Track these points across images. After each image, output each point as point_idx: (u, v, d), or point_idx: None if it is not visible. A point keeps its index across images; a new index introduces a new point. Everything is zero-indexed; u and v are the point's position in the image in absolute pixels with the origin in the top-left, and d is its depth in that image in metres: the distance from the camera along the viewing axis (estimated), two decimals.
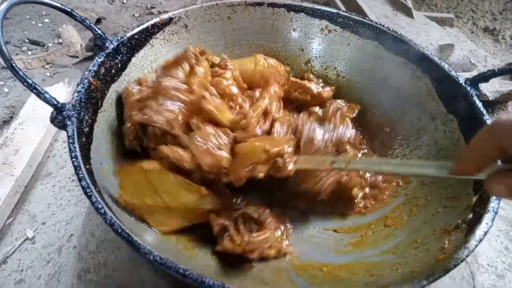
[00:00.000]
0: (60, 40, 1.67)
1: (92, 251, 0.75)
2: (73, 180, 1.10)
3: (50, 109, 0.65)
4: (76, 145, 0.62)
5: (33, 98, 1.24)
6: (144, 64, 0.87)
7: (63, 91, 1.31)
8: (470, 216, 0.65)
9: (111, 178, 0.70)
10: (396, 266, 0.65)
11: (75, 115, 0.65)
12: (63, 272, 0.91)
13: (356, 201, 0.84)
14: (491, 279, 1.00)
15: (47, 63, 1.56)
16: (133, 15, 1.86)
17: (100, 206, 0.55)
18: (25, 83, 0.62)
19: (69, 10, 0.77)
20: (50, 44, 1.66)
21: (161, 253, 0.51)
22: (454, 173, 0.51)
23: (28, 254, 0.95)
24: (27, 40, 1.65)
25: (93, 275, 0.73)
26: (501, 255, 1.06)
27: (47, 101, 0.64)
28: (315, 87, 0.96)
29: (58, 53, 1.59)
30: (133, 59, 0.84)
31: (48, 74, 1.51)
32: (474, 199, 0.68)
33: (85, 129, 0.67)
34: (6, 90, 1.40)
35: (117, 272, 0.71)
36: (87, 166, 0.61)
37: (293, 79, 0.98)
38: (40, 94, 0.63)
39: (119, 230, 0.52)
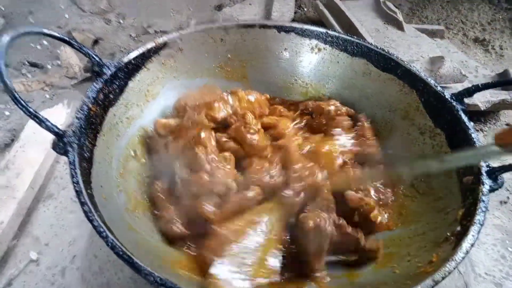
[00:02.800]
0: (59, 62, 1.69)
1: (95, 272, 0.77)
2: (74, 201, 1.11)
3: (51, 135, 0.67)
4: (78, 170, 0.64)
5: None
6: (141, 88, 0.90)
7: (62, 113, 1.33)
8: (458, 228, 0.67)
9: (112, 200, 0.72)
10: (391, 279, 0.68)
11: (76, 142, 0.68)
12: None
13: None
14: None
15: (46, 85, 1.57)
16: (130, 35, 1.90)
17: (101, 230, 0.57)
18: (26, 112, 0.65)
19: (68, 39, 0.80)
20: (49, 66, 1.68)
21: (162, 274, 0.54)
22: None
23: (32, 276, 0.96)
24: (26, 63, 1.68)
25: None
26: (498, 264, 1.08)
27: (48, 128, 0.66)
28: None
29: (57, 75, 1.61)
30: (130, 83, 0.87)
31: (47, 96, 1.53)
32: (462, 212, 0.71)
33: (85, 154, 0.70)
34: (7, 113, 1.42)
35: None
36: (88, 191, 0.64)
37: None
38: (42, 122, 0.66)
39: (120, 253, 0.55)
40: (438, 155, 0.84)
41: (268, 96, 1.02)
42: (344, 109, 0.98)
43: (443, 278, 0.56)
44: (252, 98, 0.94)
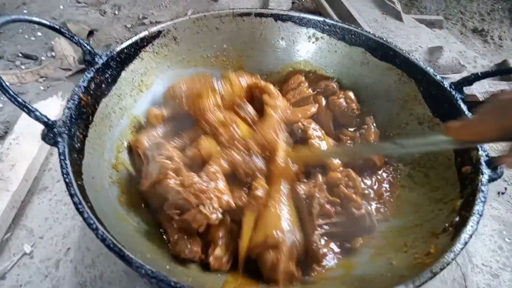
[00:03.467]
0: (53, 53, 1.67)
1: (88, 265, 0.76)
2: None
3: (42, 126, 0.66)
4: (68, 161, 0.63)
5: None
6: (134, 78, 0.88)
7: (57, 105, 1.31)
8: (457, 219, 0.66)
9: (104, 191, 0.71)
10: (387, 271, 0.67)
11: (66, 132, 0.66)
12: (61, 287, 0.92)
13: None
14: (486, 279, 1.01)
15: (41, 77, 1.56)
16: (125, 26, 1.87)
17: (92, 222, 0.56)
18: (15, 102, 0.63)
19: (58, 27, 0.78)
20: (43, 58, 1.67)
21: (154, 267, 0.53)
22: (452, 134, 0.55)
23: (26, 269, 0.95)
24: (20, 54, 1.66)
25: None
26: (495, 255, 1.07)
27: (37, 118, 0.65)
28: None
29: (51, 66, 1.59)
30: (123, 73, 0.85)
31: (41, 87, 1.51)
32: (460, 202, 0.70)
33: (76, 145, 0.68)
34: (0, 105, 1.40)
35: (113, 286, 0.72)
36: (79, 182, 0.62)
37: None
38: (31, 112, 0.64)
39: (111, 245, 0.54)
40: (394, 139, 0.85)
41: (259, 76, 1.01)
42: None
43: (441, 269, 0.55)
44: (243, 81, 0.93)
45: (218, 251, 0.70)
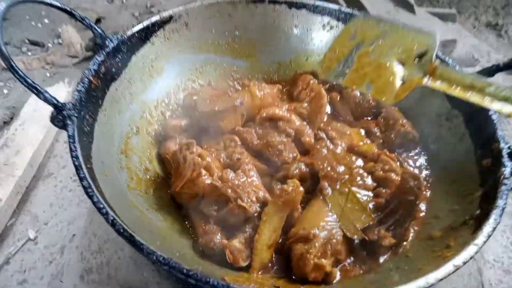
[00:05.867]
0: (60, 41, 1.65)
1: (95, 251, 0.74)
2: (74, 180, 1.09)
3: (50, 110, 0.64)
4: (77, 144, 0.61)
5: (33, 98, 1.23)
6: (144, 63, 0.87)
7: (63, 91, 1.29)
8: (478, 212, 0.64)
9: (113, 177, 0.69)
10: (404, 263, 0.65)
11: (76, 115, 0.65)
12: (65, 273, 0.90)
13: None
14: (498, 275, 0.99)
15: (47, 64, 1.54)
16: (133, 14, 1.85)
17: (101, 206, 0.54)
18: (24, 83, 0.62)
19: (69, 9, 0.76)
20: (50, 45, 1.64)
21: (164, 253, 0.51)
22: None
23: (30, 254, 0.94)
24: (27, 41, 1.64)
25: (96, 275, 0.72)
26: (508, 251, 1.05)
27: (47, 100, 0.63)
28: None
29: (58, 53, 1.57)
30: (134, 58, 0.84)
31: (48, 74, 1.49)
32: (480, 195, 0.68)
33: (85, 129, 0.67)
34: (5, 91, 1.38)
35: (120, 272, 0.70)
36: (88, 166, 0.61)
37: None
38: (40, 94, 0.63)
39: (121, 230, 0.52)
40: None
41: (280, 87, 0.98)
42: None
43: (464, 263, 0.53)
44: (263, 93, 0.92)
45: (237, 243, 0.68)
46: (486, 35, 1.86)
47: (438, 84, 0.62)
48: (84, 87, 0.70)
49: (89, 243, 0.75)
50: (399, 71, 0.66)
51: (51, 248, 0.94)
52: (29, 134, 1.15)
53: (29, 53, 1.59)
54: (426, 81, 0.63)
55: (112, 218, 0.53)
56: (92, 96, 0.71)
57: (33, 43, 1.65)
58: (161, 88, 0.91)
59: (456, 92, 0.59)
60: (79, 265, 0.76)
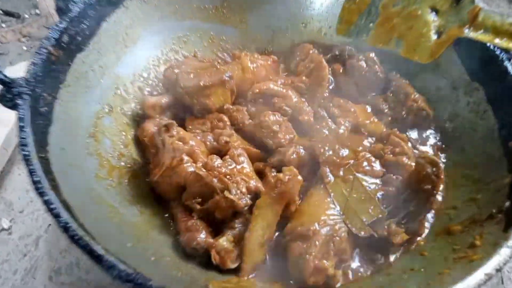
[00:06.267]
0: (37, 11, 1.54)
1: (63, 249, 0.65)
2: None
3: None
4: (28, 129, 0.51)
5: None
6: (117, 30, 0.76)
7: None
8: (508, 204, 0.54)
9: (77, 166, 0.59)
10: (419, 264, 0.56)
11: (28, 92, 0.55)
12: (39, 267, 0.83)
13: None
14: None
15: (23, 36, 1.44)
16: None
17: (53, 206, 0.44)
18: None
19: None
20: (26, 15, 1.53)
21: (134, 259, 0.42)
22: None
23: (4, 245, 0.87)
24: (1, 12, 1.52)
25: (65, 277, 0.63)
26: None
27: None
28: None
29: (35, 24, 1.46)
30: (104, 24, 0.73)
31: (24, 48, 1.39)
32: (509, 181, 0.58)
33: (42, 109, 0.57)
34: None
35: (92, 274, 0.61)
36: (42, 155, 0.51)
37: None
38: None
39: (76, 237, 0.42)
40: None
41: (275, 58, 0.89)
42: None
43: (497, 271, 0.43)
44: (255, 65, 0.83)
45: (224, 241, 0.58)
46: (497, 2, 1.75)
47: (481, 35, 0.52)
48: (41, 59, 0.60)
49: (58, 239, 0.66)
50: (433, 21, 0.55)
51: (26, 239, 0.88)
52: (2, 116, 1.05)
53: (3, 25, 1.47)
54: (467, 31, 0.52)
55: (64, 222, 0.43)
56: (52, 70, 0.61)
57: (8, 13, 1.54)
58: (138, 60, 0.80)
59: (505, 44, 0.49)
60: (48, 264, 0.67)
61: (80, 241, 0.41)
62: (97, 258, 0.41)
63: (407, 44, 0.58)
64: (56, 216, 0.43)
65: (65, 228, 0.42)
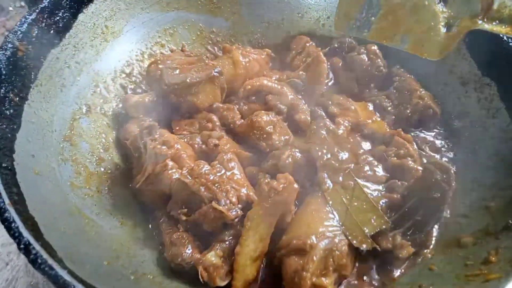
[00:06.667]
0: (22, 3, 1.47)
1: None
2: None
3: None
4: None
5: None
6: (96, 22, 0.70)
7: None
8: None
9: (50, 174, 0.53)
10: (427, 278, 0.50)
11: None
12: (20, 279, 0.77)
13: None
14: None
15: (7, 30, 1.36)
16: None
17: (14, 225, 0.38)
18: None
19: None
20: (10, 8, 1.47)
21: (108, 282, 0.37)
22: None
23: None
24: None
25: None
26: None
27: None
28: None
29: (19, 18, 1.39)
30: (81, 16, 0.67)
31: None
32: None
33: (7, 111, 0.51)
34: None
35: None
36: (5, 165, 0.45)
37: None
38: None
39: (38, 260, 0.37)
40: None
41: (269, 51, 0.84)
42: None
43: None
44: (248, 59, 0.77)
45: (212, 256, 0.53)
46: None
47: (496, 26, 0.46)
48: (5, 56, 0.54)
49: None
50: (442, 12, 0.50)
51: (8, 246, 0.82)
52: None
53: None
54: (480, 22, 0.47)
55: (26, 242, 0.37)
56: (20, 67, 0.56)
57: None
58: (120, 55, 0.74)
59: None
60: (26, 279, 0.62)
61: (43, 265, 0.36)
62: (62, 286, 0.35)
63: (413, 39, 0.52)
64: (16, 237, 0.38)
65: (26, 250, 0.37)
